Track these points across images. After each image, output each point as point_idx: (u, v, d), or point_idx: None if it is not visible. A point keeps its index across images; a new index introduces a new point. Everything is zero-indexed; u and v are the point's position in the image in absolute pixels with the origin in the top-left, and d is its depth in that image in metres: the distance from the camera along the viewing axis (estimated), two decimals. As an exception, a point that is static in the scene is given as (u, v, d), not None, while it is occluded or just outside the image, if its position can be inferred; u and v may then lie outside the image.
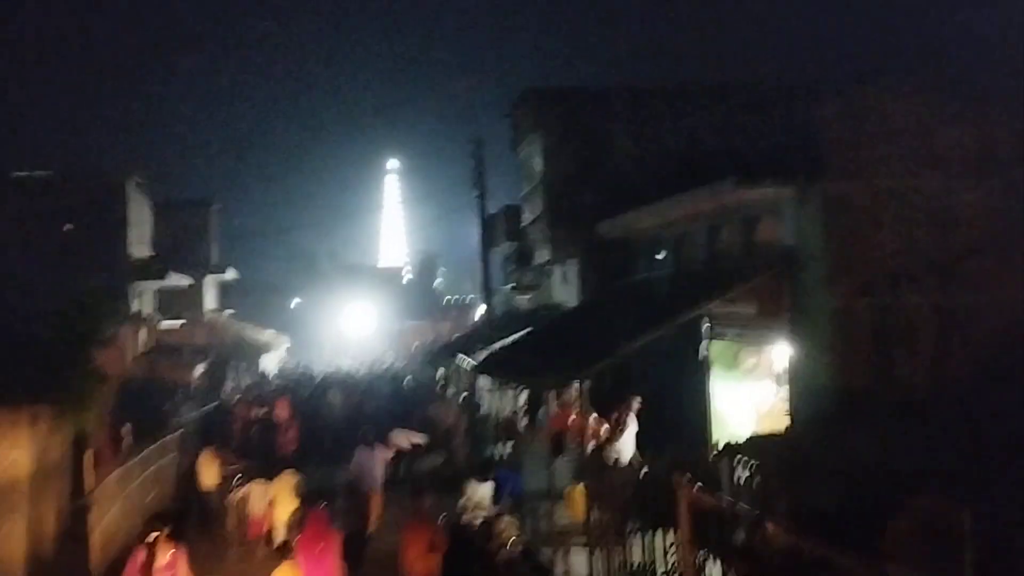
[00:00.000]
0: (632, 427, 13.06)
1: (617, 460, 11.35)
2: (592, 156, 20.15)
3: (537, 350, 13.29)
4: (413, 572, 9.72)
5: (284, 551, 9.50)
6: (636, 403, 13.43)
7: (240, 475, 13.57)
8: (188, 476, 15.40)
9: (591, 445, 11.89)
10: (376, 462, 13.71)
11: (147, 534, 8.60)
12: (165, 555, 8.49)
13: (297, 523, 10.69)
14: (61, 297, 14.14)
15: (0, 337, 14.36)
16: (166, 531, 8.69)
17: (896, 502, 7.28)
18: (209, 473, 14.49)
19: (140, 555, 8.49)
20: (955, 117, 10.90)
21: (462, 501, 11.40)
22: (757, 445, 9.85)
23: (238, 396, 24.79)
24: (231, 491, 13.50)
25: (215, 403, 23.84)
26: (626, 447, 12.57)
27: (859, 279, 10.67)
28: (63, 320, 13.71)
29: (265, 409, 20.72)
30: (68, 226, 24.94)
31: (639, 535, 9.04)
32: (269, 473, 13.06)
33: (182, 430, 18.32)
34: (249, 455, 16.04)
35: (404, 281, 71.24)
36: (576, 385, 12.40)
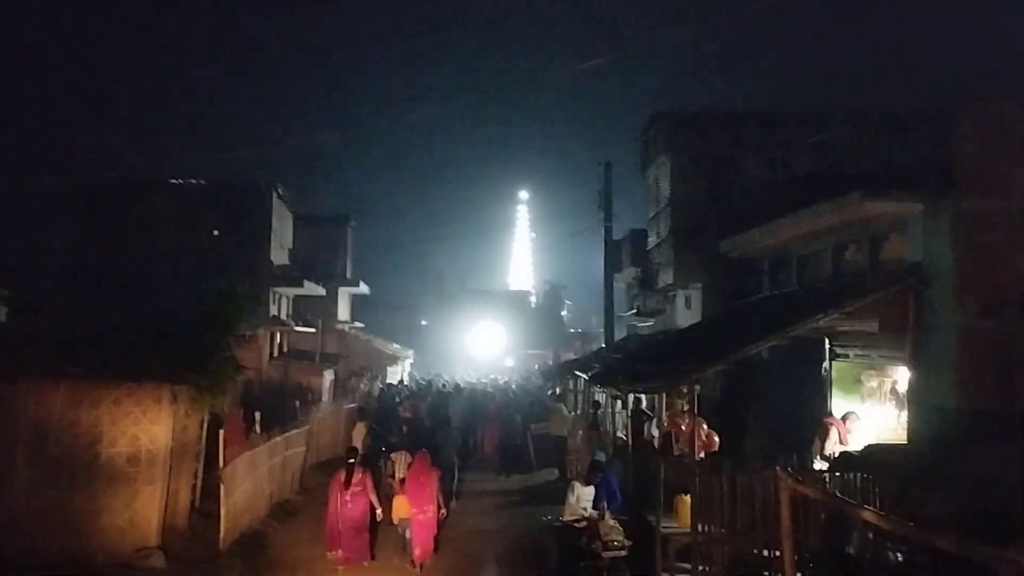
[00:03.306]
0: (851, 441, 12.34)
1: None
2: (720, 179, 20.08)
3: (650, 360, 13.32)
4: None
5: (402, 486, 13.05)
6: (854, 419, 12.20)
7: (387, 448, 16.81)
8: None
9: (700, 454, 11.82)
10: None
11: (347, 460, 12.73)
12: (358, 475, 12.36)
13: (409, 464, 13.49)
14: (207, 293, 15.09)
15: (149, 325, 15.33)
16: (359, 459, 12.93)
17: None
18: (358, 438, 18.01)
19: (341, 475, 12.41)
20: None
21: (567, 502, 11.57)
22: (875, 456, 9.64)
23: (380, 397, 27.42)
24: (383, 456, 16.16)
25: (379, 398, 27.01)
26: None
27: (988, 299, 10.30)
28: (206, 311, 14.63)
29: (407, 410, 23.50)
30: (215, 232, 26.54)
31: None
32: (409, 449, 15.25)
33: (310, 426, 19.11)
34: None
35: (531, 305, 71.70)
36: (687, 395, 12.36)
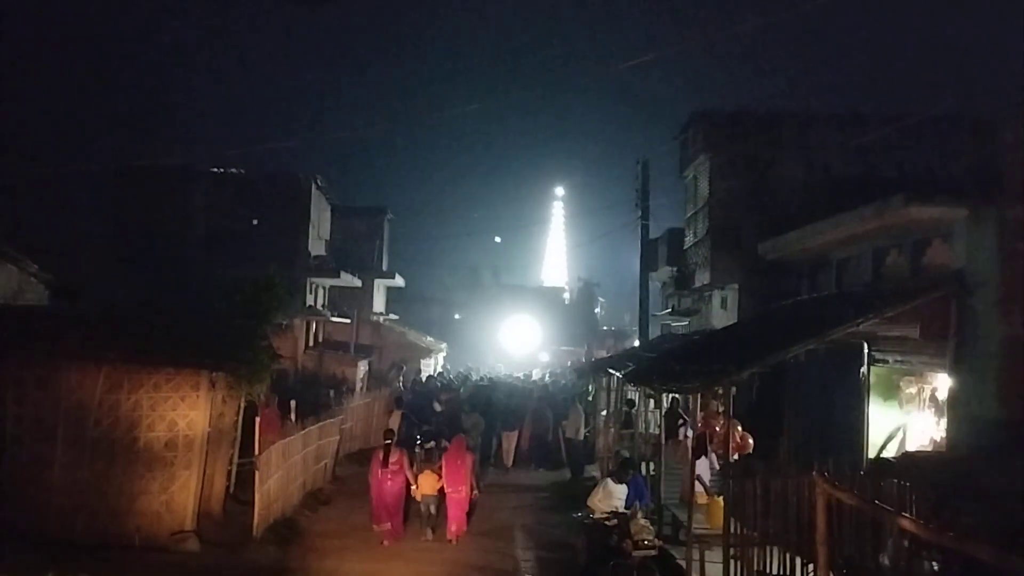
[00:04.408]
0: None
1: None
2: (759, 179, 19.91)
3: (685, 360, 13.25)
4: None
5: (431, 463, 13.84)
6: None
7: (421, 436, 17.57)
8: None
9: (734, 455, 11.73)
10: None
11: (384, 440, 13.80)
12: (395, 455, 13.43)
13: (445, 447, 14.45)
14: (245, 282, 15.27)
15: (188, 311, 15.56)
16: (395, 439, 14.15)
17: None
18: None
19: (379, 453, 13.51)
20: None
21: (595, 497, 11.56)
22: (914, 463, 9.51)
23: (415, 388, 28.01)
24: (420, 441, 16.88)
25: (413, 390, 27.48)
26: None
27: (1033, 307, 10.12)
28: (245, 299, 14.81)
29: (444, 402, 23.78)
30: (255, 221, 26.82)
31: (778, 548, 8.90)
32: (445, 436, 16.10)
33: (343, 416, 19.27)
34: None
35: (565, 301, 71.47)
36: (722, 396, 12.28)
